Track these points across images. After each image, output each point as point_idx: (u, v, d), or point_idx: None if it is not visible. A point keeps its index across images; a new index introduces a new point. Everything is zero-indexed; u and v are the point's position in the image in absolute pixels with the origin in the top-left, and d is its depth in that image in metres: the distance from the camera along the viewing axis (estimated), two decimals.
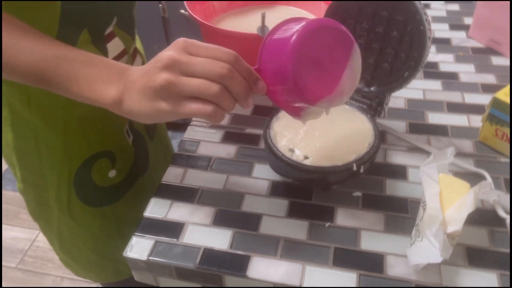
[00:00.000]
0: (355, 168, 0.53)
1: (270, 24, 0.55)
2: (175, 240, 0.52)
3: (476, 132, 0.64)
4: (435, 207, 0.48)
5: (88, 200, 0.66)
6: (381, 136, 0.64)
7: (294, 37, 0.41)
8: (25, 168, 0.65)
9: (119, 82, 0.44)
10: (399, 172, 0.59)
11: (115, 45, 0.60)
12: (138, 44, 0.73)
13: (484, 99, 0.71)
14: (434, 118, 0.68)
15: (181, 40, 0.42)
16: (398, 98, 0.72)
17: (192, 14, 0.70)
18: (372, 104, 0.61)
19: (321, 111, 0.48)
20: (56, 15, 0.51)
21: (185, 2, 0.72)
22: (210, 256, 0.50)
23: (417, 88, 0.74)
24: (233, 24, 0.81)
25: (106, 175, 0.66)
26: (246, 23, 0.81)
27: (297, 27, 0.42)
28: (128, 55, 0.64)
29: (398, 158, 0.62)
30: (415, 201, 0.55)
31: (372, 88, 0.61)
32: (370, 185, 0.58)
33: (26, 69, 0.45)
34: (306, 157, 0.54)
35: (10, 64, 0.45)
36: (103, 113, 0.48)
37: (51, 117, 0.59)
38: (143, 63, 0.71)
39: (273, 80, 0.44)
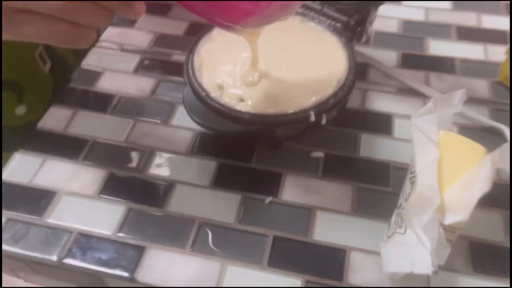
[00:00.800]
0: (313, 118, 0.34)
1: None
2: (38, 218, 0.35)
3: (495, 69, 0.45)
4: (429, 184, 0.31)
5: None
6: (360, 70, 0.45)
7: None
8: None
9: None
10: (382, 124, 0.41)
11: None
12: None
13: (507, 23, 0.51)
14: (438, 48, 0.48)
15: None
16: (389, 19, 0.52)
17: None
18: (349, 22, 0.41)
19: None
20: None
21: None
22: (85, 245, 0.33)
23: (417, 5, 0.54)
24: None
25: (11, 112, 0.49)
26: None
27: None
28: None
29: (382, 103, 0.43)
30: (401, 169, 0.38)
31: None
32: (337, 142, 0.40)
33: None
34: (241, 100, 0.36)
35: None
36: None
37: None
38: None
39: None
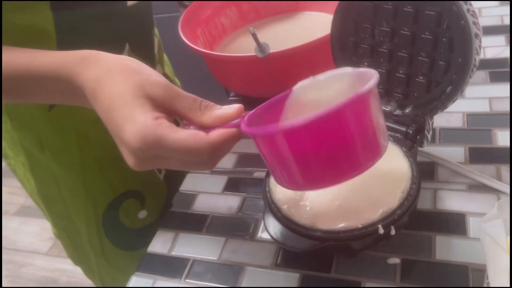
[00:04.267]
0: (381, 231, 0.38)
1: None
2: None
3: None
4: None
5: (121, 243, 0.62)
6: (427, 170, 0.48)
7: None
8: (53, 214, 0.62)
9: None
10: (455, 224, 0.43)
11: None
12: (168, 68, 0.66)
13: None
14: (507, 138, 0.49)
15: (144, 146, 0.32)
16: (452, 114, 0.54)
17: (188, 43, 0.59)
18: (408, 132, 0.45)
19: None
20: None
21: (180, 30, 0.62)
22: None
23: (480, 96, 0.56)
24: (247, 42, 0.68)
25: (135, 216, 0.61)
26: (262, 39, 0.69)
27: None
28: None
29: (453, 202, 0.45)
30: (480, 271, 0.38)
31: (406, 110, 0.45)
32: (412, 246, 0.42)
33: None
34: (313, 217, 0.40)
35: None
36: None
37: (67, 159, 0.56)
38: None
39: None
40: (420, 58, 0.42)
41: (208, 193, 0.54)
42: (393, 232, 0.38)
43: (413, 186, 0.40)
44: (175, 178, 0.62)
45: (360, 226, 0.38)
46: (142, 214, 0.61)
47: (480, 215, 0.42)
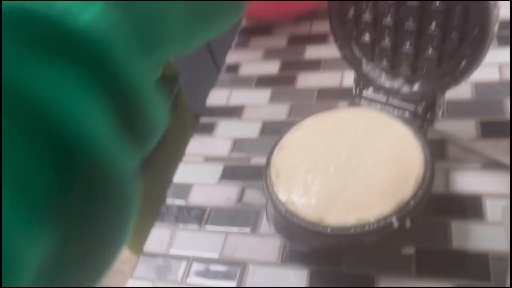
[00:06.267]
0: (396, 224, 0.35)
1: None
2: None
3: None
4: None
5: None
6: (438, 148, 0.44)
7: None
8: None
9: None
10: (471, 207, 0.40)
11: None
12: None
13: None
14: None
15: None
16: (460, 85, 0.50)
17: None
18: (417, 110, 0.41)
19: None
20: None
21: None
22: None
23: (489, 63, 0.52)
24: None
25: None
26: None
27: None
28: None
29: (467, 182, 0.42)
30: (502, 259, 0.36)
31: (415, 87, 0.41)
32: (426, 234, 0.39)
33: None
34: (322, 211, 0.37)
35: None
36: None
37: None
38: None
39: None
40: (429, 29, 0.38)
41: (204, 184, 0.50)
42: (408, 224, 0.35)
43: (427, 172, 0.37)
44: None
45: (372, 220, 0.35)
46: None
47: (497, 196, 0.40)
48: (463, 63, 0.37)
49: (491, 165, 0.42)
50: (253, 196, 0.47)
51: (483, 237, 0.38)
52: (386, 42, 0.41)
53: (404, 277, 0.37)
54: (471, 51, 0.36)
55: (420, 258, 0.38)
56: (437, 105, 0.41)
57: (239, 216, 0.46)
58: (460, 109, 0.48)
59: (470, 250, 0.37)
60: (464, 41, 0.36)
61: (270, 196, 0.40)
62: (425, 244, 0.38)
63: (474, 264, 0.36)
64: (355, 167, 0.39)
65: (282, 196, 0.39)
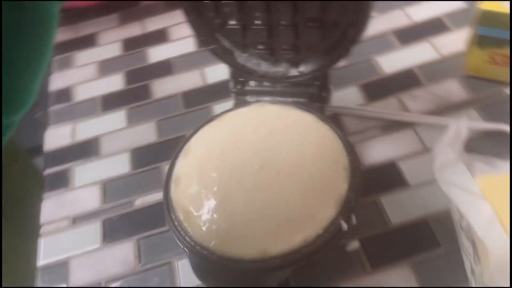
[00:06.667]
0: (345, 226, 0.30)
1: None
2: None
3: (455, 63, 0.44)
4: (500, 246, 0.28)
5: None
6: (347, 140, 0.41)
7: None
8: None
9: None
10: (390, 176, 0.38)
11: None
12: None
13: (433, 10, 0.50)
14: (389, 62, 0.46)
15: None
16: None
17: None
18: (312, 92, 0.37)
19: None
20: None
21: None
22: None
23: None
24: None
25: None
26: None
27: None
28: None
29: (377, 152, 0.40)
30: (440, 221, 0.35)
31: (302, 68, 0.37)
32: (362, 219, 0.36)
33: None
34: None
35: None
36: None
37: None
38: None
39: None
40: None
41: (84, 255, 0.38)
42: (354, 221, 0.31)
43: (352, 156, 0.33)
44: None
45: (321, 231, 0.30)
46: None
47: (408, 157, 0.39)
48: (350, 31, 0.33)
49: (388, 127, 0.41)
50: (156, 246, 0.38)
51: (414, 203, 0.36)
52: (258, 22, 0.35)
53: (361, 276, 0.33)
54: (355, 17, 0.32)
55: (368, 249, 0.34)
56: (329, 82, 0.37)
57: (148, 281, 0.36)
58: (336, 77, 0.46)
59: (409, 221, 0.35)
60: (346, 7, 0.33)
61: (188, 244, 0.31)
62: (366, 231, 0.35)
63: (419, 233, 0.34)
64: (274, 177, 0.33)
65: (204, 239, 0.31)
